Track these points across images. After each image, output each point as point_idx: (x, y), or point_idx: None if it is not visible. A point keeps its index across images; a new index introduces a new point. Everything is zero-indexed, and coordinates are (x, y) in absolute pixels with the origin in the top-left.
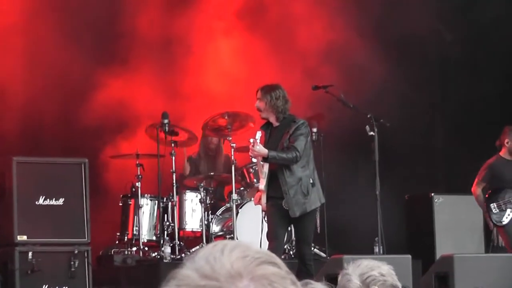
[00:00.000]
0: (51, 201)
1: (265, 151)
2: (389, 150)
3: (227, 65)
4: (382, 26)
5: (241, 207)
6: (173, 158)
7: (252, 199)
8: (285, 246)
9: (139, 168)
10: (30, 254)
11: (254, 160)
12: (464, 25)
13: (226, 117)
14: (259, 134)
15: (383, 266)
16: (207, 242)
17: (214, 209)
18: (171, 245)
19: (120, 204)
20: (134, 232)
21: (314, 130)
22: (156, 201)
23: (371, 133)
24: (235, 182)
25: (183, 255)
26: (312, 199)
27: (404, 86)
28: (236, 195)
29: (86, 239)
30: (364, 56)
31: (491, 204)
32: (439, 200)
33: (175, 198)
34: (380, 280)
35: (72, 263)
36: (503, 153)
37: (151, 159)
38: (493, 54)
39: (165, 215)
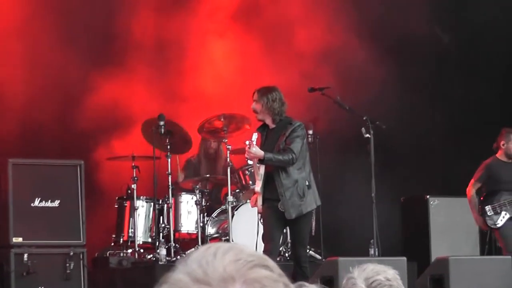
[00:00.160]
0: (46, 203)
1: (261, 153)
2: (385, 152)
3: (223, 67)
4: (380, 27)
5: (236, 209)
6: (169, 160)
7: (248, 201)
8: (281, 248)
9: (134, 170)
10: (25, 256)
11: (250, 162)
12: (461, 26)
13: (222, 119)
14: (255, 136)
15: (389, 271)
16: (203, 244)
17: (210, 211)
18: (167, 247)
19: (116, 206)
20: (130, 234)
21: (310, 132)
22: (152, 203)
23: (367, 135)
24: (231, 184)
25: (178, 257)
26: (308, 201)
27: (402, 87)
28: (231, 197)
29: (82, 241)
30: (362, 57)
31: (486, 207)
32: (434, 203)
33: (171, 200)
34: (386, 285)
35: (68, 265)
36: (499, 155)
37: (147, 161)
38: (491, 55)
39: (161, 217)
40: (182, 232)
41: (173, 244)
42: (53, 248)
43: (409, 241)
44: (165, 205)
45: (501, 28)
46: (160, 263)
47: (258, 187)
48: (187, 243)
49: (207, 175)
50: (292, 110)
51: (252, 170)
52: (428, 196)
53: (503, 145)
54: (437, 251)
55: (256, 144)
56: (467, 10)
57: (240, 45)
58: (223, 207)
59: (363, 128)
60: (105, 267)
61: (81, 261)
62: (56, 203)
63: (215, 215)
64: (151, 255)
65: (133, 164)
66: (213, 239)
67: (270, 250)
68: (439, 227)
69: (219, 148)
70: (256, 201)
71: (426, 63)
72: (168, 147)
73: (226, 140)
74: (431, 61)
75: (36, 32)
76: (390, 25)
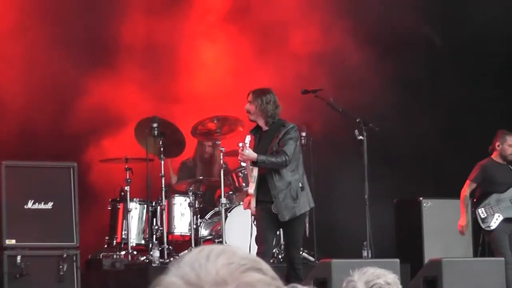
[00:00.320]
0: (40, 205)
1: (254, 155)
2: (378, 154)
3: (216, 69)
4: (375, 29)
5: (230, 211)
6: (162, 162)
7: (241, 203)
8: (274, 250)
9: (128, 172)
10: (19, 258)
11: (243, 164)
12: (456, 28)
13: (215, 121)
14: (248, 138)
15: (389, 275)
16: (196, 246)
17: (203, 213)
18: (160, 249)
19: (109, 208)
20: (123, 236)
21: (303, 134)
22: (145, 205)
23: (360, 137)
24: (224, 186)
25: (171, 259)
26: (302, 203)
27: (396, 90)
28: (225, 199)
29: (75, 243)
30: (356, 59)
31: (479, 209)
32: (427, 204)
33: (164, 202)
34: None
35: (61, 267)
36: (494, 156)
37: (140, 163)
38: (485, 57)
39: (154, 219)
40: (176, 234)
41: (166, 246)
42: (46, 250)
43: (402, 243)
44: (158, 207)
45: (497, 30)
46: (153, 265)
47: (251, 189)
48: (180, 245)
49: (201, 177)
50: (286, 112)
51: (245, 172)
52: (421, 198)
53: (498, 146)
54: (430, 253)
55: (249, 146)
56: (463, 12)
57: (233, 46)
58: (217, 209)
59: (356, 130)
60: (98, 269)
61: (74, 263)
62: (50, 205)
63: (208, 217)
64: (144, 257)
65: (126, 166)
66: (206, 241)
67: (263, 252)
68: (432, 229)
69: (214, 153)
70: (249, 203)
71: (420, 66)
72: (162, 149)
73: (219, 142)
74: (426, 64)
75: (31, 35)
76: (385, 27)
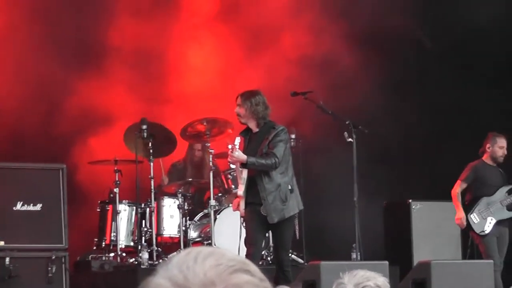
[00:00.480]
0: (28, 206)
1: (244, 157)
2: (368, 156)
3: (206, 71)
4: (366, 31)
5: (219, 213)
6: (151, 164)
7: (230, 205)
8: (263, 252)
9: (117, 174)
10: (7, 259)
11: (232, 166)
12: (447, 30)
13: (205, 123)
14: (238, 140)
15: (379, 277)
16: (185, 248)
17: (192, 215)
18: (149, 251)
19: (98, 210)
20: (112, 238)
21: (293, 136)
22: (134, 207)
23: (350, 139)
24: (213, 188)
25: (160, 261)
26: (291, 205)
27: (386, 92)
28: (214, 201)
29: (64, 244)
30: (347, 61)
31: (471, 215)
32: (416, 207)
33: (153, 204)
34: None
35: (50, 268)
36: (485, 158)
37: (129, 165)
38: (476, 59)
39: (143, 221)
40: (165, 236)
41: (155, 248)
42: (35, 251)
43: (391, 245)
44: (148, 209)
45: (487, 32)
46: (142, 267)
47: (240, 191)
48: (169, 247)
49: (190, 179)
50: (276, 114)
51: (235, 174)
52: (410, 201)
53: (488, 148)
54: (419, 255)
55: (239, 148)
56: (452, 13)
57: (223, 48)
58: (206, 211)
59: (345, 133)
60: (87, 271)
61: (63, 265)
62: (38, 207)
63: (198, 219)
64: (133, 259)
65: (115, 168)
66: (196, 243)
67: (252, 254)
68: (422, 231)
69: (204, 156)
70: (238, 205)
71: (410, 67)
72: (151, 151)
73: (209, 144)
74: (415, 65)
75: (20, 36)
76: (375, 28)
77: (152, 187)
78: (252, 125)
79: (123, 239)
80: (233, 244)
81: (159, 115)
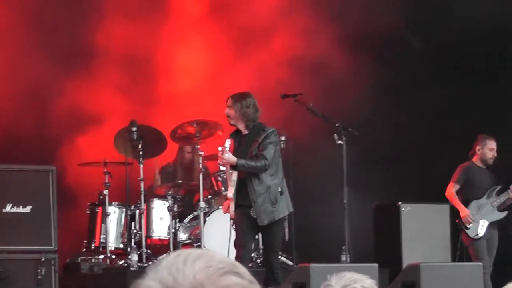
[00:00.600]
0: (18, 208)
1: (234, 159)
2: (358, 159)
3: (196, 72)
4: (357, 33)
5: (208, 215)
6: (141, 166)
7: (220, 207)
8: (253, 255)
9: (106, 176)
10: None
11: (222, 168)
12: (437, 30)
13: (194, 125)
14: (228, 142)
15: (366, 280)
16: (175, 250)
17: (182, 217)
18: (138, 253)
19: (88, 212)
20: (101, 240)
21: (283, 138)
22: (124, 209)
23: (339, 141)
24: (203, 190)
25: (150, 263)
26: (281, 207)
27: (377, 93)
28: (204, 203)
29: (53, 246)
30: (338, 64)
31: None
32: (406, 209)
33: (143, 206)
34: None
35: (39, 270)
36: (475, 160)
37: (119, 167)
38: (467, 60)
39: (133, 223)
40: (154, 238)
41: (145, 250)
42: (24, 253)
43: (381, 247)
44: (137, 211)
45: (478, 32)
46: (131, 269)
47: (230, 193)
48: (159, 249)
49: (180, 181)
50: (266, 116)
51: (225, 176)
52: (400, 203)
53: (478, 150)
54: (408, 258)
55: (229, 150)
56: (443, 14)
57: (214, 50)
58: (195, 213)
59: (335, 135)
60: (77, 273)
61: (53, 267)
62: (28, 209)
63: (187, 221)
64: (123, 261)
65: (105, 170)
66: (185, 245)
67: (242, 256)
68: (411, 234)
69: (194, 158)
70: (228, 207)
71: (402, 69)
72: (141, 152)
73: (199, 146)
74: (407, 67)
75: (12, 38)
76: (365, 30)
77: (142, 189)
78: (242, 127)
79: (112, 241)
80: (223, 246)
81: (148, 117)
